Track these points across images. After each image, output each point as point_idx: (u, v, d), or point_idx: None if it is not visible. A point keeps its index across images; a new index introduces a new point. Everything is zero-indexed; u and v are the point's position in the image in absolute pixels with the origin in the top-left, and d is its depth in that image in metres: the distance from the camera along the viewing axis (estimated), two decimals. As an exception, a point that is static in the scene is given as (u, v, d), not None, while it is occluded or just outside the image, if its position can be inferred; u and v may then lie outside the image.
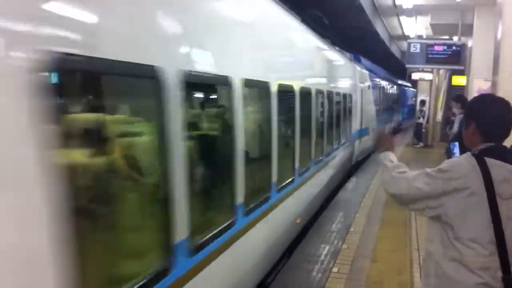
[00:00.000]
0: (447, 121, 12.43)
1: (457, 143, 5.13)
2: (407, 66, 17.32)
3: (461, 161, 2.37)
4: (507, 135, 2.43)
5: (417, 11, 16.54)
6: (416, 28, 19.80)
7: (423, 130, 18.90)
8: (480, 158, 2.31)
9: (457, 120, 7.89)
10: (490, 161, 2.30)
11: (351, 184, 10.98)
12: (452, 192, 2.29)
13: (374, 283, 5.15)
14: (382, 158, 2.79)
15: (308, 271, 5.48)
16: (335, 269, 5.48)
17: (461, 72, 16.44)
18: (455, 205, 2.29)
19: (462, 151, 2.56)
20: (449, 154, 5.64)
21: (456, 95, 8.74)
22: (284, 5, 6.16)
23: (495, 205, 2.24)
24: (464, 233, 2.28)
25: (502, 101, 2.45)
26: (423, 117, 19.25)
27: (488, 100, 2.58)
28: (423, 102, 20.13)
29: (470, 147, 2.48)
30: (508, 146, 2.57)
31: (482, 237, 2.26)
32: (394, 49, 27.42)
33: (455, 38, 16.90)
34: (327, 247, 6.28)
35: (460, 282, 2.29)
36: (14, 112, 1.73)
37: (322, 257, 5.89)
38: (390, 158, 2.76)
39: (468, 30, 15.08)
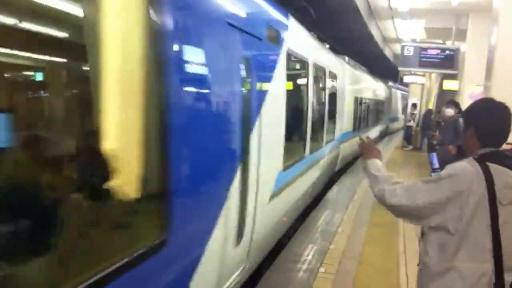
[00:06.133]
0: (436, 124, 12.47)
1: (435, 154, 5.04)
2: (400, 69, 17.35)
3: (465, 166, 2.32)
4: (505, 139, 2.40)
5: (412, 14, 16.55)
6: (410, 31, 19.83)
7: (413, 133, 19.01)
8: (482, 163, 2.28)
9: (450, 125, 7.87)
10: (492, 166, 2.26)
11: (339, 185, 10.97)
12: (456, 197, 2.24)
13: (361, 284, 5.12)
14: (369, 166, 2.68)
15: (295, 270, 5.43)
16: (322, 270, 5.44)
17: (453, 77, 16.51)
18: (458, 210, 2.25)
19: (459, 157, 2.51)
20: (432, 163, 5.59)
21: (451, 100, 8.71)
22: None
23: (495, 211, 2.21)
24: (466, 239, 2.25)
25: (501, 106, 2.42)
26: (414, 120, 19.35)
27: (487, 105, 2.53)
28: (414, 105, 20.22)
29: (468, 151, 2.44)
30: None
31: (482, 243, 2.24)
32: (387, 51, 27.46)
33: (448, 43, 16.94)
34: (314, 247, 6.24)
35: None
36: None
37: (310, 257, 5.85)
38: (378, 166, 2.65)
39: (461, 35, 15.12)
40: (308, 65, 6.97)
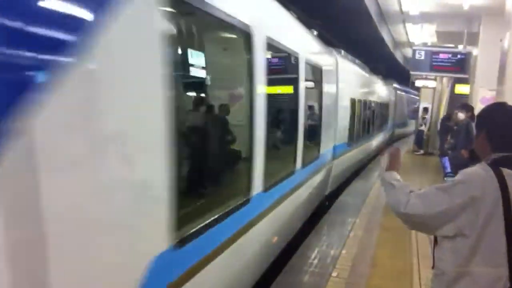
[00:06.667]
0: (447, 129, 12.41)
1: (447, 158, 4.97)
2: (412, 73, 17.32)
3: (478, 171, 2.32)
4: None
5: (423, 18, 16.52)
6: (421, 35, 19.79)
7: (424, 137, 18.95)
8: (495, 168, 2.28)
9: (462, 129, 7.85)
10: (506, 171, 2.26)
11: (351, 189, 10.96)
12: (471, 202, 2.24)
13: (373, 289, 5.14)
14: (387, 176, 2.67)
15: (307, 274, 5.46)
16: (334, 274, 5.46)
17: (464, 81, 16.44)
18: (473, 215, 2.24)
19: (471, 161, 2.51)
20: (444, 167, 5.49)
21: (463, 103, 8.70)
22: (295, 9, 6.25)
23: (509, 215, 2.22)
24: (480, 244, 2.25)
25: None
26: (425, 125, 19.30)
27: (500, 108, 2.53)
28: (426, 109, 20.17)
29: (481, 156, 2.45)
30: None
31: (496, 247, 2.23)
32: (398, 55, 27.41)
33: (460, 47, 16.87)
34: (326, 251, 6.25)
35: None
36: None
37: (322, 261, 5.87)
38: (396, 177, 2.65)
39: (473, 39, 15.06)
40: (252, 42, 3.93)
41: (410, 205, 2.39)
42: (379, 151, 16.40)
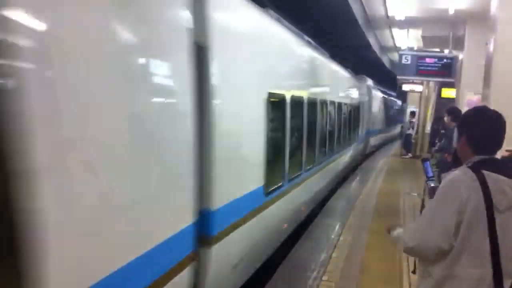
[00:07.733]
0: (435, 133, 12.54)
1: (429, 163, 4.94)
2: (398, 77, 17.45)
3: (460, 176, 2.37)
4: (498, 147, 2.45)
5: (409, 23, 16.66)
6: (407, 40, 19.97)
7: (412, 141, 19.11)
8: (477, 171, 2.33)
9: (449, 133, 7.93)
10: (487, 174, 2.32)
11: (341, 193, 10.99)
12: (459, 206, 2.29)
13: (364, 292, 5.16)
14: (393, 234, 2.78)
15: (298, 278, 5.47)
16: (325, 277, 5.48)
17: (450, 85, 16.59)
18: (459, 218, 2.29)
19: (455, 165, 2.56)
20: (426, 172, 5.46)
21: (450, 107, 8.78)
22: (279, 13, 6.29)
23: (492, 217, 2.26)
24: (466, 245, 2.30)
25: (494, 113, 2.48)
26: (413, 128, 19.46)
27: (479, 112, 2.61)
28: (413, 113, 20.34)
29: (462, 159, 2.50)
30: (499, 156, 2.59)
31: (481, 249, 2.28)
32: (385, 59, 27.60)
33: (446, 51, 17.04)
34: (317, 255, 6.26)
35: None
36: None
37: (312, 265, 5.88)
38: (398, 230, 2.76)
39: (458, 43, 15.21)
40: None
41: (413, 236, 2.46)
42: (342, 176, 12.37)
